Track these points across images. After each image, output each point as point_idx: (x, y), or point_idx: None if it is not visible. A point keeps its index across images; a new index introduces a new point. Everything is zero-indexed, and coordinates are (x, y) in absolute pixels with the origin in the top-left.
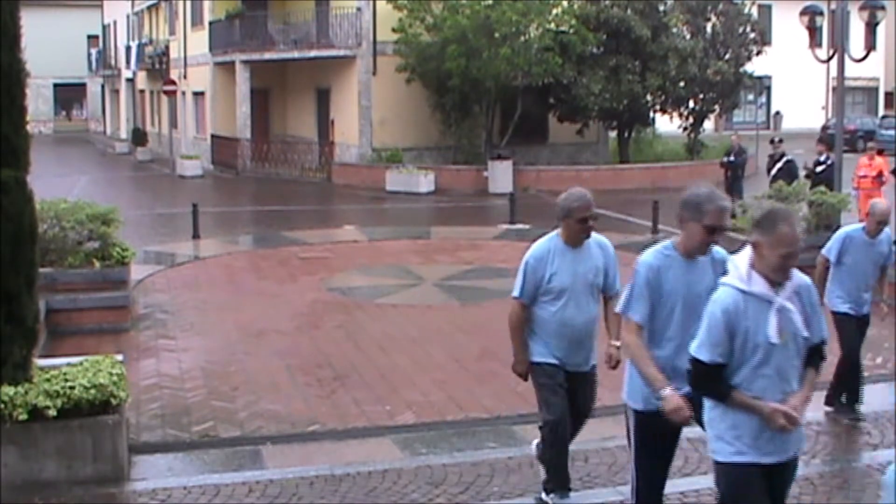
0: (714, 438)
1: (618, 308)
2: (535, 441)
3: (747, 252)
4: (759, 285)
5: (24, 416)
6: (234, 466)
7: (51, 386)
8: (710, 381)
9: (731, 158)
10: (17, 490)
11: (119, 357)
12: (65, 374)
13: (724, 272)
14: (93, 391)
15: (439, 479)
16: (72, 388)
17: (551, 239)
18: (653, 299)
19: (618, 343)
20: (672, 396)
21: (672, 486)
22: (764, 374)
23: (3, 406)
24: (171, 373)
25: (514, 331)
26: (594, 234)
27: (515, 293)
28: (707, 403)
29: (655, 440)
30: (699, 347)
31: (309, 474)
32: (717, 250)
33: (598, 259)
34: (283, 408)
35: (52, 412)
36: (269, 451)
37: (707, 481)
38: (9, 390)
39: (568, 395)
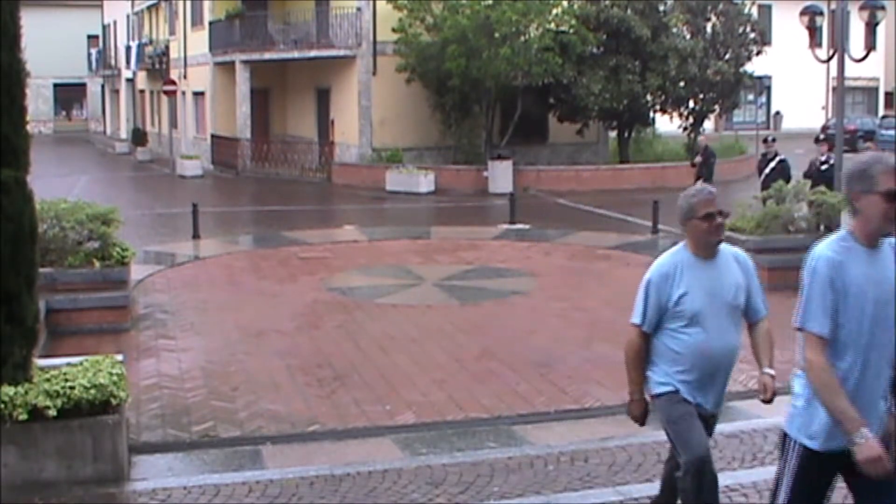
0: None
1: (795, 321)
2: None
3: None
4: None
5: (24, 416)
6: (234, 466)
7: (51, 386)
8: None
9: (698, 159)
10: (17, 490)
11: (119, 357)
12: (65, 374)
13: None
14: (93, 391)
15: (439, 479)
16: (72, 388)
17: (677, 252)
18: (837, 304)
19: (772, 371)
20: (871, 442)
21: None
22: None
23: (3, 406)
24: (171, 373)
25: (632, 364)
26: (728, 247)
27: (635, 319)
28: None
29: (816, 485)
30: None
31: (309, 474)
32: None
33: (737, 275)
34: (283, 408)
35: (52, 412)
36: (269, 451)
37: None
38: (9, 390)
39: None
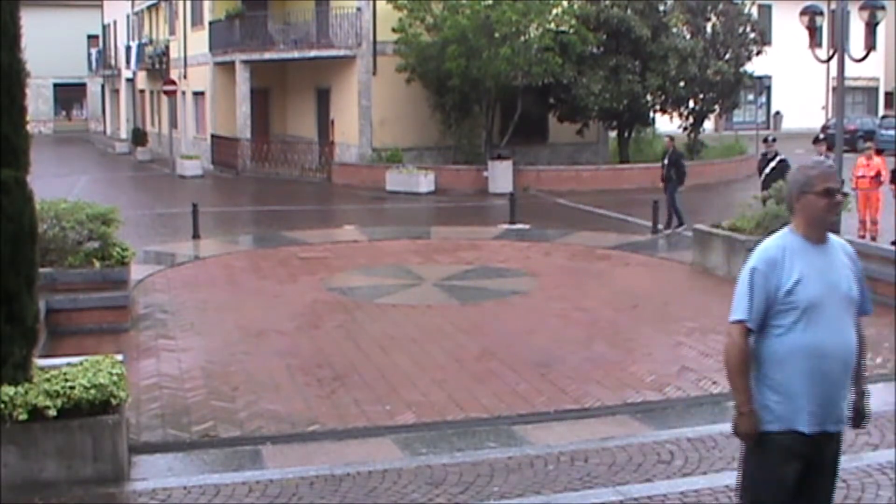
0: None
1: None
2: None
3: None
4: None
5: (24, 416)
6: (234, 466)
7: (51, 386)
8: None
9: (665, 161)
10: (17, 490)
11: (119, 357)
12: (65, 374)
13: None
14: (93, 391)
15: (439, 479)
16: (72, 388)
17: (783, 235)
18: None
19: (866, 388)
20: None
21: (672, 486)
22: None
23: (3, 406)
24: (171, 373)
25: (736, 370)
26: (832, 235)
27: (738, 315)
28: None
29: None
30: None
31: (309, 474)
32: None
33: (848, 264)
34: (283, 408)
35: (52, 412)
36: (269, 451)
37: (706, 481)
38: (9, 390)
39: (798, 483)
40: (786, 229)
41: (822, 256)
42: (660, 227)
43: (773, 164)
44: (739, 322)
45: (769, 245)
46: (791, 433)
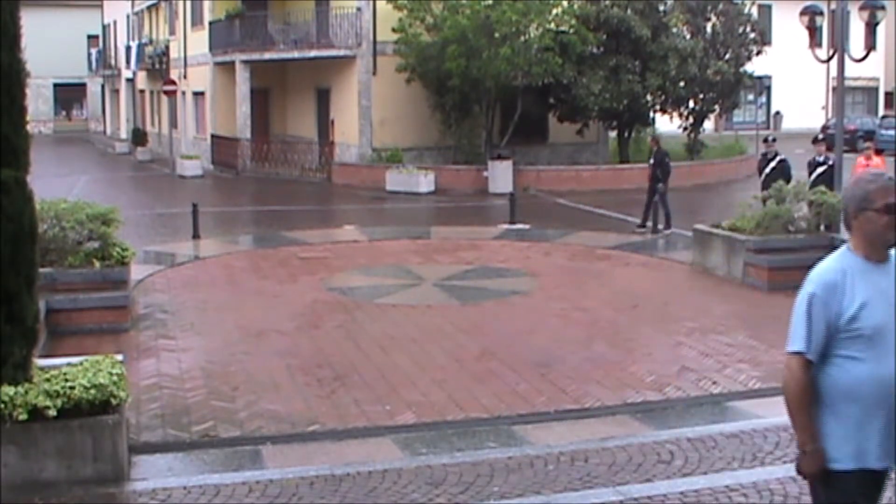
0: None
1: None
2: None
3: None
4: None
5: (24, 416)
6: (234, 466)
7: (51, 386)
8: None
9: (651, 161)
10: (17, 490)
11: (119, 357)
12: (65, 374)
13: None
14: (93, 391)
15: (439, 479)
16: (72, 388)
17: (841, 256)
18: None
19: None
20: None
21: (672, 486)
22: None
23: (3, 406)
24: (171, 373)
25: (797, 406)
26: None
27: (796, 346)
28: None
29: None
30: None
31: (309, 474)
32: None
33: None
34: (283, 408)
35: (52, 412)
36: (269, 451)
37: (706, 481)
38: (9, 390)
39: None
40: (843, 249)
41: (885, 277)
42: (660, 227)
43: (773, 164)
44: (797, 354)
45: (827, 268)
46: (861, 471)
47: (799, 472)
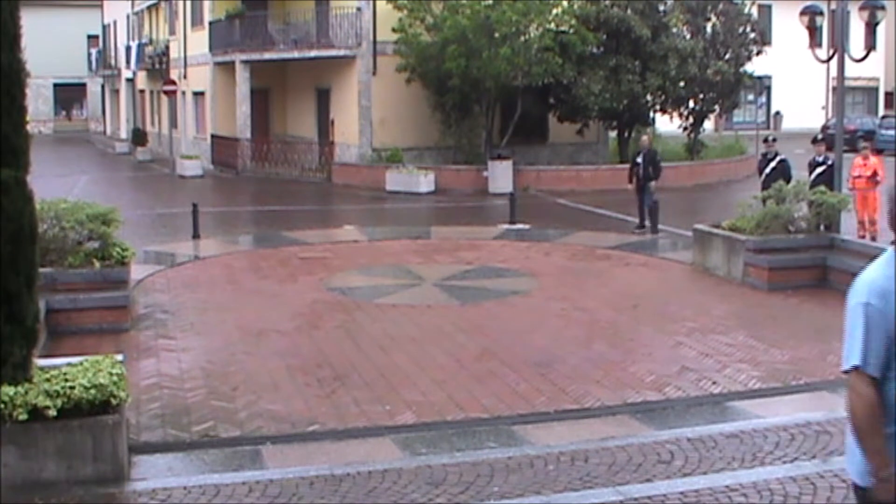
0: None
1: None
2: None
3: None
4: None
5: (24, 416)
6: (234, 466)
7: (51, 386)
8: None
9: (639, 160)
10: (17, 490)
11: (119, 357)
12: (65, 374)
13: None
14: (93, 391)
15: (439, 479)
16: (72, 388)
17: (889, 261)
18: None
19: None
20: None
21: (672, 486)
22: None
23: (3, 406)
24: (171, 373)
25: (867, 428)
26: None
27: (854, 360)
28: None
29: None
30: None
31: (309, 474)
32: None
33: None
34: (283, 408)
35: (52, 412)
36: (269, 451)
37: (707, 481)
38: (9, 390)
39: None
40: (889, 253)
41: None
42: (647, 223)
43: (773, 164)
44: (857, 369)
45: (875, 274)
46: None
47: (873, 500)
